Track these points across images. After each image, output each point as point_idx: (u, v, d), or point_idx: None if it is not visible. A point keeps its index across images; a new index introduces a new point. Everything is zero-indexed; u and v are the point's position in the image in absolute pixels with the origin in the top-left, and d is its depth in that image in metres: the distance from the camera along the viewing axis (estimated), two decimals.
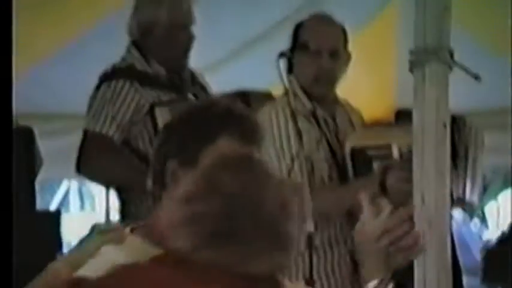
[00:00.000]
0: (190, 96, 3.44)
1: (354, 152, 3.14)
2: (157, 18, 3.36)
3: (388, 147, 3.09)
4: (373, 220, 1.72)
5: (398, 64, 4.30)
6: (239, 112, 1.80)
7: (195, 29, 3.42)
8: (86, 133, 3.33)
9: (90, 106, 3.35)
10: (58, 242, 3.38)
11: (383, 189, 2.97)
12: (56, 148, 4.10)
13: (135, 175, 3.14)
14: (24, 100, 3.72)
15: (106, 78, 3.34)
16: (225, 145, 1.73)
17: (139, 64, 3.39)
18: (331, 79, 3.23)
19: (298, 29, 3.23)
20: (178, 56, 3.42)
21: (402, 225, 1.74)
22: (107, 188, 3.48)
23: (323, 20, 3.25)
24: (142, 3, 3.42)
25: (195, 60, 3.48)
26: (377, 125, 3.63)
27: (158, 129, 3.25)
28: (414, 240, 1.75)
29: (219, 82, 3.62)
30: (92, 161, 3.27)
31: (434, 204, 2.40)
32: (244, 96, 3.40)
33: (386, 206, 1.72)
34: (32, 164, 3.41)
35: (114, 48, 3.43)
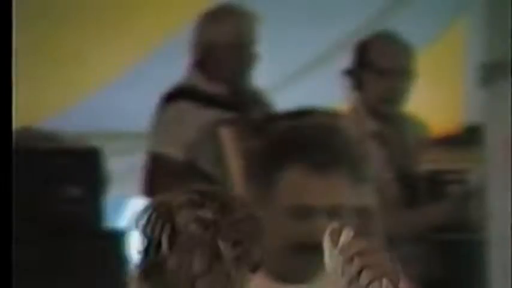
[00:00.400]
0: (253, 115, 3.42)
1: (426, 174, 3.11)
2: (220, 38, 3.36)
3: (463, 171, 3.04)
4: (331, 253, 1.47)
5: (467, 80, 4.24)
6: (309, 136, 1.84)
7: (260, 48, 3.40)
8: (150, 154, 3.34)
9: (154, 127, 3.36)
10: (126, 260, 3.39)
11: (459, 215, 2.91)
12: (124, 167, 4.12)
13: None
14: (92, 120, 3.76)
15: (170, 98, 3.35)
16: (293, 172, 1.79)
17: (202, 84, 3.39)
18: (399, 98, 3.20)
19: (363, 47, 3.20)
20: (241, 75, 3.41)
21: (357, 258, 1.42)
22: None
23: (390, 39, 3.21)
24: (205, 23, 3.41)
25: (257, 79, 3.47)
26: (446, 141, 3.57)
27: (222, 149, 3.25)
28: (378, 274, 1.41)
29: (282, 101, 3.60)
30: (157, 183, 3.27)
31: (507, 223, 2.35)
32: (310, 114, 3.37)
33: (345, 237, 1.45)
34: (100, 182, 3.44)
35: (178, 68, 3.44)
